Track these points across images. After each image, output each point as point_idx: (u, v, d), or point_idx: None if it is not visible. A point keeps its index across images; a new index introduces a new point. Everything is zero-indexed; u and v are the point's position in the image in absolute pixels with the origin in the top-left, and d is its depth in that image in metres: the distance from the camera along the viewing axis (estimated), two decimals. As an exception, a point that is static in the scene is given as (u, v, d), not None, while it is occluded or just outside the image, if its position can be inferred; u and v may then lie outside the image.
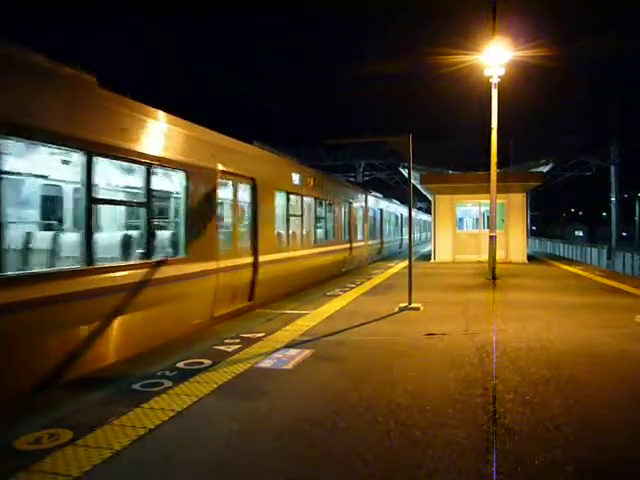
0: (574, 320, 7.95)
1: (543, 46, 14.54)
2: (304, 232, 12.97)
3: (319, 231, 14.61)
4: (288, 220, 11.78)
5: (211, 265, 7.99)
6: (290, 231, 11.99)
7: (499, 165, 15.73)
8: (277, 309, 9.08)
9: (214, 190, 8.20)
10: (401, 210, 30.91)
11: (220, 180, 8.39)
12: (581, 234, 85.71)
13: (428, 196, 24.89)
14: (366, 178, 41.15)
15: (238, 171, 9.08)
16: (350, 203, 17.92)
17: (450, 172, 26.98)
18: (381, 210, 24.11)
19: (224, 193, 8.86)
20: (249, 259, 9.43)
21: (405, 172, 24.31)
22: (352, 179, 34.42)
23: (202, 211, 7.84)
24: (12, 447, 3.49)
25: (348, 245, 17.50)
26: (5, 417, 4.10)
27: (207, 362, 5.54)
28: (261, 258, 9.73)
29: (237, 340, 6.57)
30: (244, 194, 9.63)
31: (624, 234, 46.85)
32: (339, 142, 37.74)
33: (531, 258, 21.38)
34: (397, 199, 31.52)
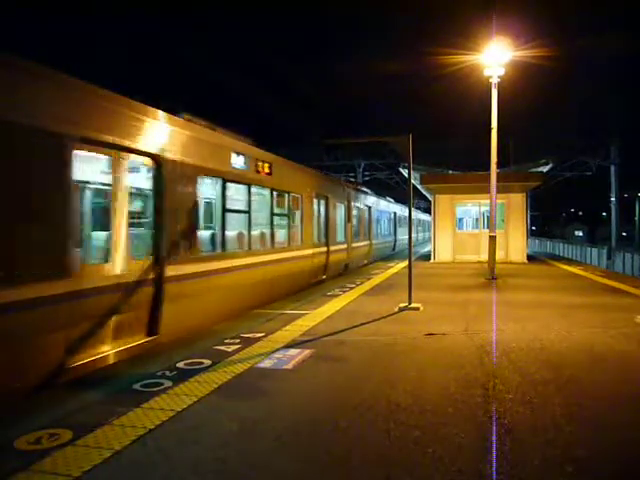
0: (574, 320, 7.95)
1: (543, 46, 14.56)
2: (254, 234, 10.07)
3: (280, 232, 11.50)
4: (224, 218, 8.77)
5: (58, 286, 5.09)
6: (230, 233, 9.20)
7: (499, 165, 15.75)
8: (277, 309, 9.08)
9: (64, 168, 5.28)
10: (395, 208, 28.93)
11: (79, 153, 5.46)
12: (581, 234, 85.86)
13: (428, 196, 24.88)
14: (366, 178, 41.23)
15: (122, 142, 6.12)
16: (327, 198, 14.98)
17: (450, 172, 26.99)
18: (369, 208, 21.50)
19: (90, 174, 6.29)
20: (149, 273, 6.62)
21: (405, 172, 24.12)
22: (352, 179, 34.29)
23: (31, 201, 4.97)
24: (12, 447, 3.49)
25: (324, 249, 14.43)
26: (5, 417, 4.10)
27: (207, 362, 5.54)
28: (172, 271, 6.97)
29: (237, 340, 6.57)
30: (140, 178, 6.96)
31: (624, 234, 46.93)
32: (339, 142, 37.86)
33: (531, 258, 21.39)
34: (392, 197, 30.30)
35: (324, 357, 5.82)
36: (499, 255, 16.23)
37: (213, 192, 9.00)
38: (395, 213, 28.75)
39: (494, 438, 3.64)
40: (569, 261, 23.68)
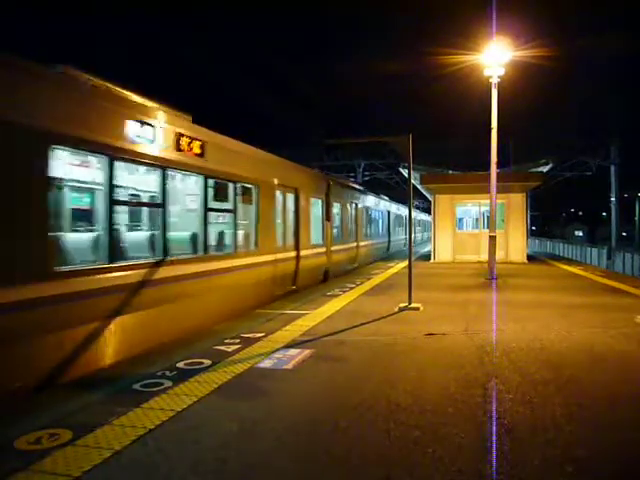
0: (574, 320, 7.95)
1: (543, 46, 14.57)
2: (175, 236, 7.59)
3: (220, 233, 9.07)
4: (112, 213, 6.12)
5: None
6: (129, 235, 7.34)
7: (499, 165, 15.74)
8: (277, 309, 9.08)
9: None
10: (388, 206, 26.60)
11: None
12: (581, 234, 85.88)
13: (428, 196, 24.87)
14: (366, 178, 41.26)
15: None
16: (297, 192, 12.16)
17: (450, 172, 26.99)
18: (356, 204, 18.90)
19: None
20: None
21: (405, 172, 23.95)
22: (352, 179, 34.22)
23: None
24: (12, 447, 3.49)
25: (292, 253, 11.71)
26: (6, 416, 4.10)
27: (207, 362, 5.54)
28: None
29: (237, 340, 6.57)
30: None
31: (624, 234, 46.96)
32: (339, 142, 37.83)
33: (531, 258, 21.38)
34: (387, 195, 29.13)
35: (324, 357, 5.82)
36: (499, 255, 16.23)
37: (96, 176, 6.45)
38: (389, 212, 26.52)
39: (494, 438, 3.64)
40: (569, 261, 23.68)
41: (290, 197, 11.90)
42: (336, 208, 16.22)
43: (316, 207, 14.15)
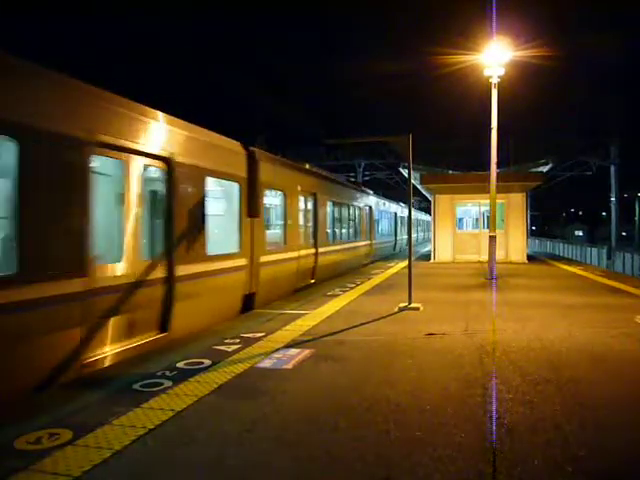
0: (574, 320, 7.95)
1: (543, 46, 14.57)
2: None
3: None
4: None
5: None
6: None
7: (499, 165, 15.75)
8: (277, 309, 9.08)
9: None
10: (373, 202, 22.75)
11: None
12: (581, 234, 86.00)
13: (428, 196, 24.87)
14: (366, 178, 41.29)
15: None
16: (171, 166, 6.99)
17: (450, 172, 27.01)
18: (314, 196, 13.70)
19: None
20: None
21: (405, 172, 23.79)
22: (352, 179, 34.15)
23: None
24: (12, 447, 3.49)
25: (157, 274, 6.76)
26: (5, 416, 4.10)
27: (207, 362, 5.54)
28: None
29: (237, 340, 6.57)
30: None
31: (624, 234, 47.04)
32: (339, 142, 37.82)
33: (531, 258, 21.39)
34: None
35: (324, 357, 5.82)
36: (499, 255, 16.24)
37: None
38: (370, 207, 21.87)
39: (494, 438, 3.63)
40: (569, 261, 23.68)
41: (155, 174, 6.99)
42: (273, 198, 11.37)
43: (226, 196, 9.39)
